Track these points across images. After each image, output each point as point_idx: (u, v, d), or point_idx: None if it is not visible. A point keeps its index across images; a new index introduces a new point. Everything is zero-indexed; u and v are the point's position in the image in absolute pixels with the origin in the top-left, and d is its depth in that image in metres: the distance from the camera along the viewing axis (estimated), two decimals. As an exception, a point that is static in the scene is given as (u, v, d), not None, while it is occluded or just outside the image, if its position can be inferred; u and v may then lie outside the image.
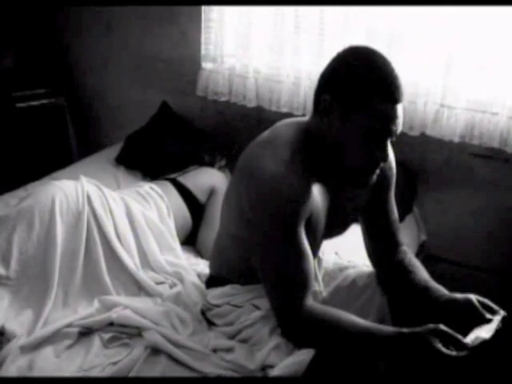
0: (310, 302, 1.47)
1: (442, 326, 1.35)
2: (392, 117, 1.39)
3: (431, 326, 1.36)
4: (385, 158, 1.45)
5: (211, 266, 1.82)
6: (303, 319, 1.45)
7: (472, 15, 2.31)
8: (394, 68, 1.40)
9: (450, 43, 2.38)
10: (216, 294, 1.71)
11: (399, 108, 1.40)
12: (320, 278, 1.75)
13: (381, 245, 1.73)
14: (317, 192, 1.52)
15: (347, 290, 1.66)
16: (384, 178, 1.63)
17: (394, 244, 1.72)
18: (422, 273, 1.63)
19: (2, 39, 3.11)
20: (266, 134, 1.59)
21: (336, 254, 1.93)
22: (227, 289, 1.69)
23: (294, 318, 1.47)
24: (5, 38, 3.12)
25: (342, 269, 1.77)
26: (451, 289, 1.58)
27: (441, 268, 2.66)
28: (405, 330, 1.38)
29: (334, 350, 1.46)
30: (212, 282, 1.77)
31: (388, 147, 1.45)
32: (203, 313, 1.74)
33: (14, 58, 3.13)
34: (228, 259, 1.71)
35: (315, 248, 1.64)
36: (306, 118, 1.58)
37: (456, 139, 2.44)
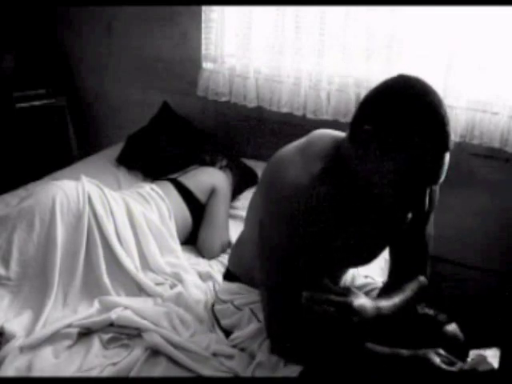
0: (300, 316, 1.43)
1: (441, 351, 1.36)
2: (439, 165, 1.28)
3: (430, 350, 1.36)
4: (421, 207, 1.33)
5: (229, 261, 1.80)
6: (292, 330, 1.44)
7: (472, 16, 2.31)
8: (446, 110, 1.28)
9: (450, 43, 2.38)
10: (225, 289, 1.72)
11: (447, 156, 1.28)
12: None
13: (404, 269, 1.61)
14: (340, 213, 1.42)
15: None
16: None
17: (417, 272, 1.61)
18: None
19: (3, 40, 3.11)
20: (301, 141, 1.48)
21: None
22: (235, 286, 1.69)
23: (281, 330, 1.45)
24: (5, 39, 3.12)
25: (359, 287, 1.71)
26: (452, 289, 1.57)
27: (441, 268, 2.66)
28: (403, 351, 1.37)
29: (325, 363, 1.42)
30: (227, 275, 1.76)
31: (426, 196, 1.32)
32: (213, 305, 1.76)
33: (15, 59, 3.13)
34: (241, 258, 1.70)
35: (335, 274, 1.60)
36: (343, 134, 1.45)
37: (456, 139, 2.43)
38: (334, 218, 1.41)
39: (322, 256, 1.46)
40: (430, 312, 1.54)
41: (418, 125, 1.25)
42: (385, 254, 1.67)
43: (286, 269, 1.41)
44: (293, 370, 1.43)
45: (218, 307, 1.72)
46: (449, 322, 1.52)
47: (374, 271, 1.89)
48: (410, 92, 1.27)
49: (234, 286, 1.70)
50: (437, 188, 1.55)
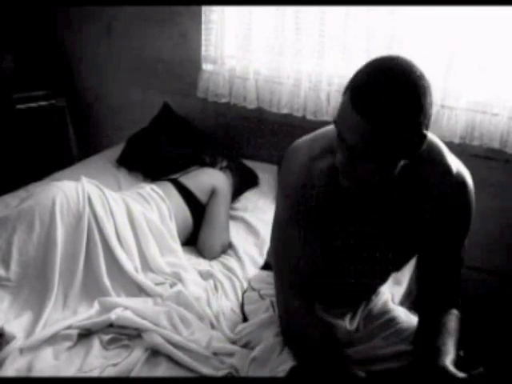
0: (301, 299, 1.45)
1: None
2: (349, 125, 1.20)
3: None
4: (342, 174, 1.28)
5: (267, 252, 1.83)
6: (290, 313, 1.46)
7: (472, 16, 2.31)
8: (399, 90, 1.17)
9: (450, 44, 2.38)
10: (258, 276, 1.77)
11: (358, 120, 1.18)
12: (359, 316, 1.69)
13: (429, 296, 1.52)
14: (335, 194, 1.39)
15: (391, 335, 1.58)
16: (451, 217, 1.43)
17: (444, 302, 1.51)
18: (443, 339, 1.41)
19: (2, 41, 3.11)
20: (322, 129, 1.49)
21: (391, 294, 1.81)
22: (265, 275, 1.73)
23: (284, 310, 1.48)
24: (5, 40, 3.12)
25: (387, 311, 1.67)
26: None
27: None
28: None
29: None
30: (264, 265, 1.80)
31: (349, 166, 1.24)
32: (244, 292, 1.82)
33: (15, 60, 3.13)
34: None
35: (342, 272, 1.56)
36: None
37: (456, 140, 2.43)
38: (329, 198, 1.40)
39: (323, 241, 1.46)
40: (461, 353, 1.46)
41: (354, 82, 1.20)
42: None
43: (288, 244, 1.44)
44: (284, 360, 1.43)
45: (247, 294, 1.76)
46: (477, 366, 1.49)
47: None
48: (379, 60, 1.23)
49: (264, 274, 1.73)
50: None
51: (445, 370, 1.29)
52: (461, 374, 1.29)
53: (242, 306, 1.77)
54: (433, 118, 2.48)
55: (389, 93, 1.17)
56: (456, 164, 1.45)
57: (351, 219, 1.43)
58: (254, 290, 1.74)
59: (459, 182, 1.43)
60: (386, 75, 1.18)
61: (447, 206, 1.42)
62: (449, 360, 1.33)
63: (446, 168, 1.42)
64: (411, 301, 2.05)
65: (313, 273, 1.47)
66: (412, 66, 1.21)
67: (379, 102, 1.16)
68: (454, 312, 1.50)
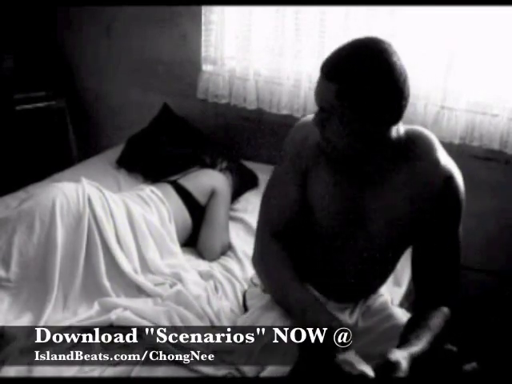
0: (275, 237, 1.58)
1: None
2: (317, 89, 1.44)
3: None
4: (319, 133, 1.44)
5: None
6: (263, 246, 1.61)
7: (472, 16, 2.31)
8: (363, 57, 1.33)
9: (450, 44, 2.38)
10: None
11: (323, 82, 1.42)
12: (358, 311, 1.70)
13: (422, 294, 1.57)
14: (337, 177, 1.51)
15: (387, 330, 1.59)
16: (440, 210, 1.48)
17: (434, 300, 1.53)
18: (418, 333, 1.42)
19: (2, 41, 3.11)
20: None
21: (391, 297, 1.81)
22: None
23: (259, 243, 1.64)
24: (5, 41, 3.12)
25: (384, 309, 1.68)
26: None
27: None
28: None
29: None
30: None
31: (319, 125, 1.44)
32: (245, 291, 1.84)
33: (15, 60, 3.13)
34: None
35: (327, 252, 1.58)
36: None
37: (456, 141, 2.43)
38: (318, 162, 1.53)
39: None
40: (454, 349, 1.47)
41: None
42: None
43: (275, 189, 1.60)
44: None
45: (249, 290, 1.80)
46: (470, 360, 1.47)
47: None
48: (360, 38, 1.39)
49: None
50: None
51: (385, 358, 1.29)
52: (395, 357, 1.28)
53: (244, 303, 1.79)
54: (433, 119, 2.51)
55: (352, 58, 1.34)
56: (444, 159, 1.47)
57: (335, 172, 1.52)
58: (255, 285, 1.76)
59: (446, 175, 1.46)
60: (355, 47, 1.36)
61: (435, 201, 1.46)
62: (407, 350, 1.33)
63: (434, 162, 1.45)
64: (411, 302, 2.05)
65: (288, 220, 1.59)
66: (386, 46, 1.34)
67: (342, 65, 1.36)
68: (443, 310, 1.51)
